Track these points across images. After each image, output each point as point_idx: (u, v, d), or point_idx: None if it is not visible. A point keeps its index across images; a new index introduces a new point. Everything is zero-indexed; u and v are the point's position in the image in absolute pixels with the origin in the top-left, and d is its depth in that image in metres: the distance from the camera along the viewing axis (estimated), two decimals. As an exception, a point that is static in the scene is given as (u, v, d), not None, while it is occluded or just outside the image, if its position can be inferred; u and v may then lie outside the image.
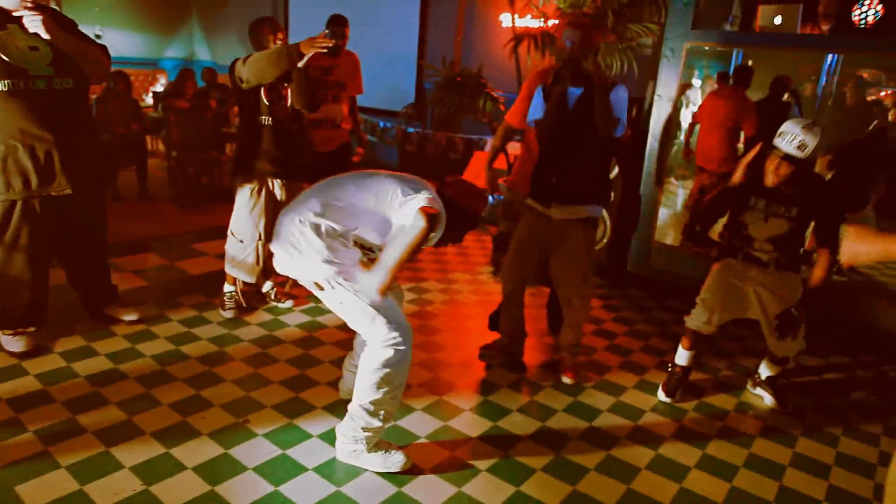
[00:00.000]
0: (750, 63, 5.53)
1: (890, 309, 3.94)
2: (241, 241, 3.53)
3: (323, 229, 2.29)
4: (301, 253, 2.30)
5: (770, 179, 2.87)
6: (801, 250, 3.04)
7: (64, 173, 2.95)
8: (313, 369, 3.13)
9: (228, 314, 3.62)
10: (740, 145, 5.18)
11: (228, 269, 3.62)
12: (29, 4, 2.74)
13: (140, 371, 2.97)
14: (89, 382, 2.83)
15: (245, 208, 3.50)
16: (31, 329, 3.08)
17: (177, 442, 2.47)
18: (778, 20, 4.36)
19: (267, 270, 3.66)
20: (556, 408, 2.98)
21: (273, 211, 3.44)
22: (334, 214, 2.31)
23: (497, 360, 3.36)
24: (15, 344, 3.03)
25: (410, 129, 7.70)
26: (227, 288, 3.67)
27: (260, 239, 3.52)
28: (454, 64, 6.90)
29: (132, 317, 3.44)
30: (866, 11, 4.10)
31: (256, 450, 2.47)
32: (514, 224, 3.35)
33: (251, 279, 3.62)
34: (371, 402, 2.31)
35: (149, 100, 8.92)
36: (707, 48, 5.02)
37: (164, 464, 2.34)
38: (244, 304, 3.70)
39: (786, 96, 5.16)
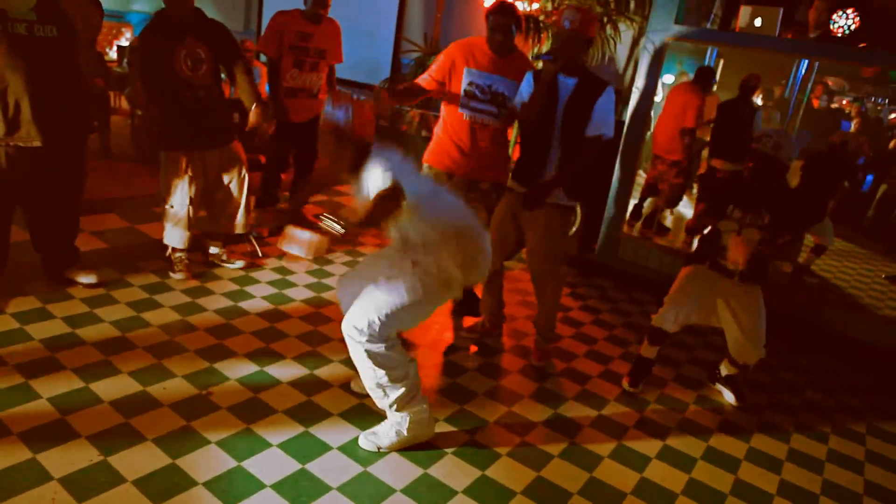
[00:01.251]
0: (721, 64, 5.61)
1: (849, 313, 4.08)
2: (172, 207, 3.46)
3: None
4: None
5: (750, 179, 2.93)
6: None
7: (34, 124, 2.81)
8: (280, 342, 3.07)
9: (179, 276, 3.55)
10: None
11: (172, 241, 3.54)
12: None
13: (98, 337, 2.87)
14: (44, 346, 2.73)
15: (174, 177, 3.42)
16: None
17: (137, 412, 2.40)
18: (758, 22, 4.41)
19: (211, 235, 3.72)
20: (523, 394, 3.00)
21: (202, 177, 3.46)
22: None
23: (473, 342, 3.40)
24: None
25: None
26: (176, 255, 3.61)
27: (190, 203, 3.45)
28: (434, 41, 6.80)
29: (90, 279, 3.31)
30: (844, 22, 4.17)
31: (220, 423, 2.42)
32: None
33: (183, 245, 3.56)
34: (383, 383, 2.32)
35: (113, 54, 8.55)
36: (687, 44, 5.06)
37: (123, 434, 2.27)
38: (189, 264, 3.64)
39: (758, 99, 5.26)
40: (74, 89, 3.03)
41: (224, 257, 3.83)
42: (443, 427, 2.63)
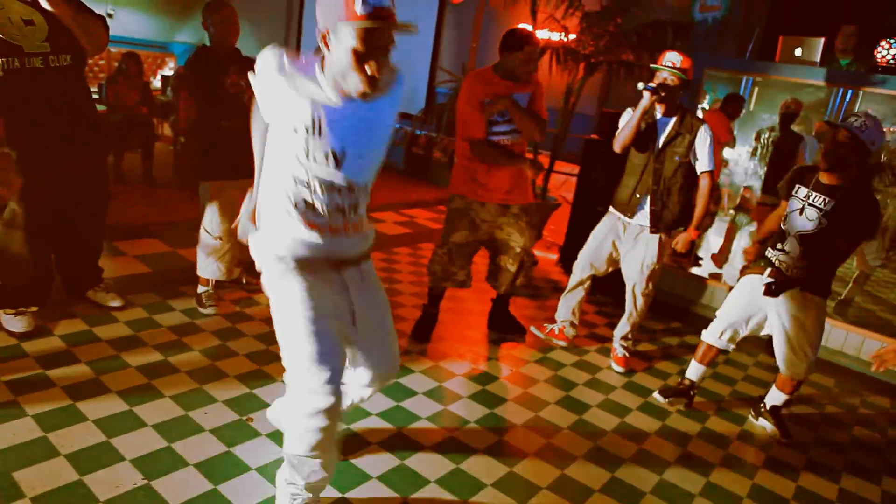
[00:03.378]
0: (755, 91, 5.56)
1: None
2: (219, 239, 3.43)
3: None
4: None
5: (823, 164, 2.80)
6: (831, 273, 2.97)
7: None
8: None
9: (211, 311, 3.51)
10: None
11: (207, 273, 3.50)
12: None
13: (142, 361, 2.91)
14: (91, 369, 2.78)
15: (216, 207, 3.41)
16: (33, 309, 3.02)
17: (179, 436, 2.42)
18: (798, 52, 4.38)
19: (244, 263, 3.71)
20: (549, 401, 2.97)
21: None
22: None
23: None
24: (16, 324, 2.97)
25: (419, 132, 7.67)
26: (202, 288, 3.57)
27: (229, 234, 3.43)
28: (470, 70, 6.89)
29: (116, 303, 3.37)
30: (889, 51, 4.12)
31: (259, 450, 2.43)
32: (467, 233, 3.37)
33: (225, 278, 3.54)
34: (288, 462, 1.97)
35: (157, 83, 8.84)
36: (724, 74, 5.04)
37: (166, 458, 2.29)
38: (221, 299, 3.65)
39: (797, 128, 5.19)
40: (87, 112, 3.09)
41: (244, 280, 3.86)
42: (472, 427, 2.60)
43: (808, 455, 3.05)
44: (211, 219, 3.43)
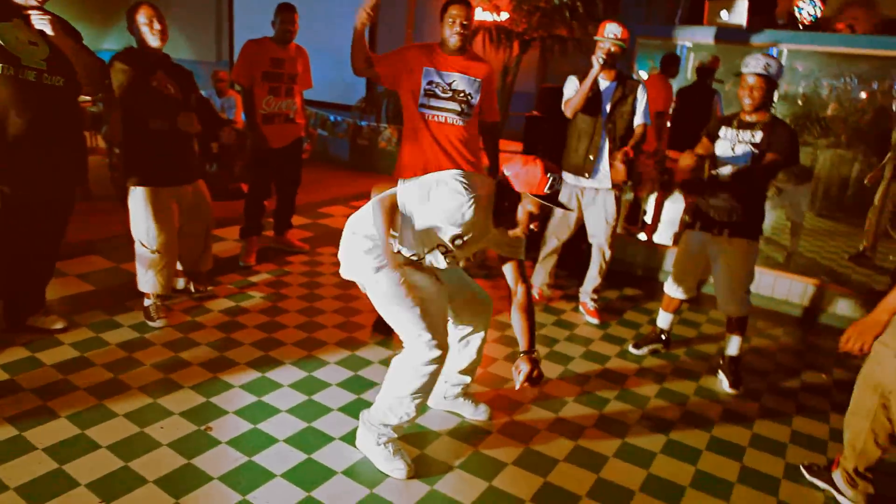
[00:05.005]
0: (690, 56, 5.68)
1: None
2: (157, 252, 3.32)
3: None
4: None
5: (746, 106, 3.05)
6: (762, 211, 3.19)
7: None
8: (275, 370, 3.05)
9: (160, 323, 3.41)
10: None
11: (147, 287, 3.39)
12: (38, 3, 2.73)
13: (91, 381, 2.82)
14: (36, 395, 2.68)
15: (151, 219, 3.29)
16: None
17: (136, 454, 2.37)
18: (724, 15, 4.48)
19: (186, 274, 3.69)
20: (523, 401, 3.00)
21: (175, 215, 3.38)
22: None
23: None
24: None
25: (363, 123, 7.60)
26: (148, 301, 3.45)
27: (172, 247, 3.37)
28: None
29: (59, 325, 3.25)
30: (805, 9, 4.25)
31: (221, 459, 2.39)
32: None
33: (164, 292, 3.44)
34: (391, 404, 2.34)
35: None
36: (657, 42, 5.12)
37: (124, 479, 2.24)
38: (170, 309, 3.56)
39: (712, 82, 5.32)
40: (74, 138, 3.07)
41: (192, 288, 3.78)
42: (447, 441, 2.62)
43: (761, 402, 3.16)
44: (147, 231, 3.31)
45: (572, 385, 3.16)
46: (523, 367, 2.27)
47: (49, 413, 2.57)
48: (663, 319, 3.56)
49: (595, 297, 3.99)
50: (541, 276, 4.13)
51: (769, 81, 2.97)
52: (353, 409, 2.76)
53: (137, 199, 3.30)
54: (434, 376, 2.29)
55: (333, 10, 8.08)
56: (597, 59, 3.51)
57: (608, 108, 3.66)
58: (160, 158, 3.31)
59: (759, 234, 3.19)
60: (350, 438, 2.56)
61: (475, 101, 3.22)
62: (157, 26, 3.23)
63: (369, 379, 3.05)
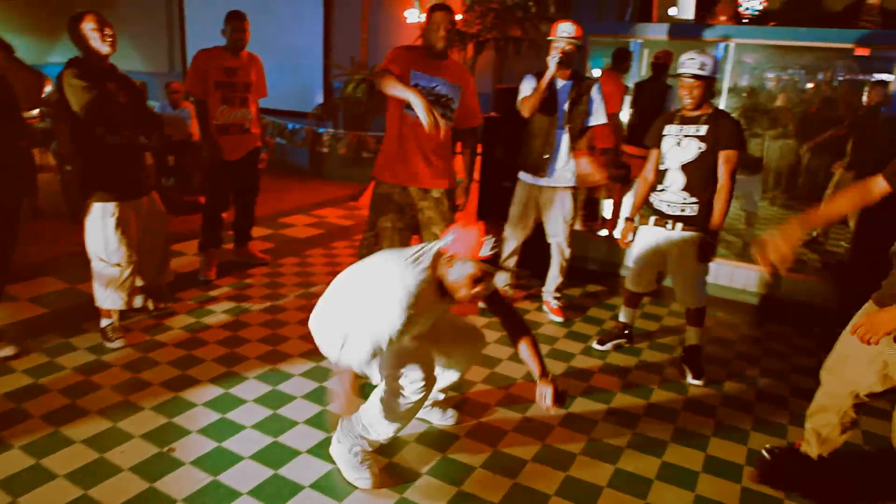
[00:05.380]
0: (644, 53, 5.77)
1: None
2: (118, 265, 3.24)
3: None
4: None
5: (687, 104, 3.13)
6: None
7: None
8: (239, 386, 3.00)
9: (118, 343, 3.32)
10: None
11: (108, 304, 3.30)
12: None
13: (46, 408, 2.74)
14: (-11, 425, 2.60)
15: (111, 232, 3.21)
16: None
17: (96, 481, 2.30)
18: (673, 11, 4.57)
19: (145, 290, 3.59)
20: (489, 403, 3.01)
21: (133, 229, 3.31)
22: None
23: None
24: None
25: (321, 130, 7.54)
26: (105, 321, 3.36)
27: (132, 259, 3.28)
28: (362, 62, 6.81)
29: (8, 351, 3.13)
30: (750, 5, 4.35)
31: (185, 480, 2.34)
32: (395, 216, 3.44)
33: (126, 307, 3.35)
34: (371, 422, 2.34)
35: (33, 111, 8.27)
36: (610, 40, 5.19)
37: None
38: (129, 329, 3.48)
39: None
40: (10, 151, 2.95)
41: (150, 306, 3.71)
42: (415, 448, 2.61)
43: (723, 391, 3.22)
44: (105, 245, 3.23)
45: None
46: (545, 390, 2.27)
47: (1, 445, 2.48)
48: (626, 314, 3.62)
49: (558, 295, 4.02)
50: (503, 277, 4.14)
51: (706, 79, 3.04)
52: (320, 422, 2.74)
53: (95, 215, 3.22)
54: (419, 405, 2.31)
55: (286, 15, 8.02)
56: (552, 59, 3.53)
57: (565, 107, 3.70)
58: (117, 172, 3.23)
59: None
60: (317, 451, 2.54)
61: (455, 105, 3.36)
62: (107, 31, 3.13)
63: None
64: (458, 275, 2.14)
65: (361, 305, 2.16)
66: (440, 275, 2.18)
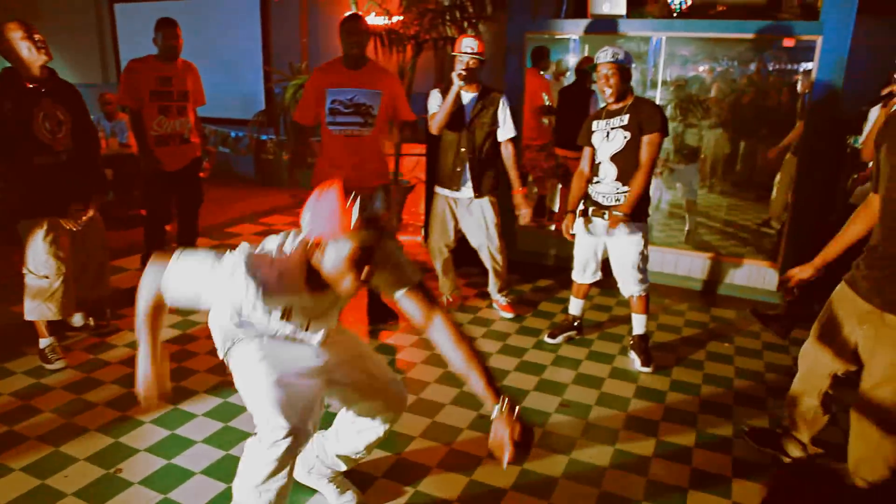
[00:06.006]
0: (587, 50, 5.88)
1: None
2: (46, 277, 3.14)
3: None
4: None
5: (607, 96, 3.23)
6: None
7: None
8: (189, 400, 2.93)
9: (59, 364, 3.21)
10: (545, 120, 5.64)
11: (34, 315, 3.18)
12: None
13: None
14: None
15: (39, 244, 3.12)
16: None
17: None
18: (607, 7, 4.65)
19: (84, 305, 3.48)
20: (443, 402, 3.02)
21: (69, 245, 3.22)
22: None
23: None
24: None
25: (264, 137, 7.43)
26: (44, 342, 3.24)
27: (59, 273, 3.16)
28: (300, 69, 6.73)
29: None
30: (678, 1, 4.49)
31: (134, 500, 2.27)
32: None
33: (59, 317, 3.22)
34: (240, 499, 1.94)
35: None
36: (546, 37, 5.27)
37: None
38: (69, 350, 3.38)
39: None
40: None
41: (92, 323, 3.61)
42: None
43: (672, 377, 3.31)
44: (34, 258, 3.12)
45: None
46: (502, 431, 1.63)
47: (2, 468, 2.37)
48: (575, 306, 3.68)
49: (504, 292, 4.05)
50: (447, 287, 4.11)
51: (621, 68, 3.15)
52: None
53: (24, 230, 3.13)
54: (283, 461, 1.84)
55: (222, 22, 7.88)
56: (457, 76, 3.52)
57: (470, 119, 3.70)
58: (46, 191, 3.12)
59: (646, 215, 3.34)
60: (271, 462, 2.49)
61: (376, 111, 3.50)
62: (37, 38, 3.00)
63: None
64: (334, 261, 1.69)
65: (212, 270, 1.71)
66: (315, 266, 1.75)
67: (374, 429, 2.18)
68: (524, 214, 3.89)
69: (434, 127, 3.67)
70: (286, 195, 7.20)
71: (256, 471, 1.85)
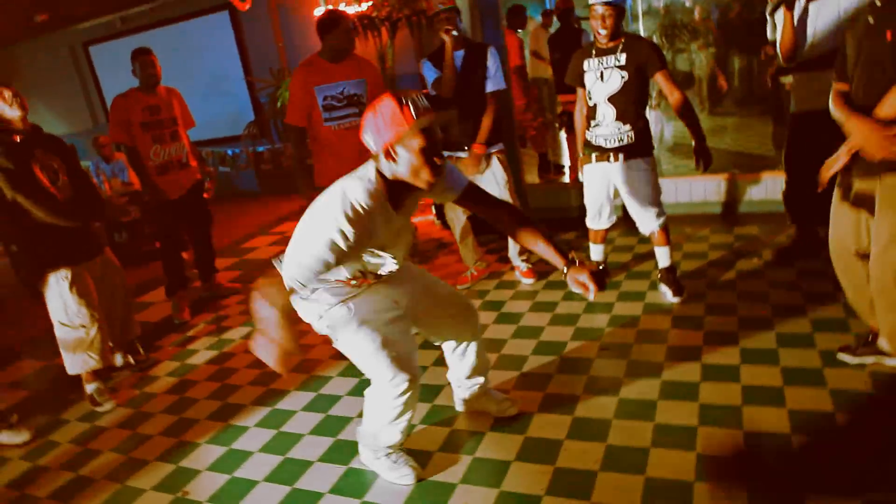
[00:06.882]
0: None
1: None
2: (82, 327, 3.19)
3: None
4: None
5: (601, 36, 3.13)
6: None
7: None
8: (237, 416, 2.99)
9: (108, 406, 3.27)
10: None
11: (78, 368, 3.24)
12: None
13: (51, 487, 2.69)
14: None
15: (67, 294, 3.16)
16: None
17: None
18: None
19: (116, 348, 3.47)
20: (487, 322, 3.04)
21: (91, 290, 3.24)
22: None
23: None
24: None
25: (261, 148, 7.44)
26: (90, 387, 3.30)
27: (92, 320, 3.20)
28: (282, 71, 6.72)
29: (21, 437, 3.07)
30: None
31: None
32: None
33: (101, 365, 3.27)
34: (375, 431, 2.27)
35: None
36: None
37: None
38: (116, 390, 3.44)
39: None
40: None
41: (131, 361, 3.65)
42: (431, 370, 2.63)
43: (706, 302, 3.29)
44: (66, 309, 3.17)
45: (529, 340, 3.21)
46: (582, 278, 1.97)
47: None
48: (596, 252, 3.65)
49: (525, 257, 4.00)
50: (469, 258, 4.08)
51: (617, 7, 3.06)
52: (324, 429, 2.74)
53: (50, 283, 3.17)
54: (411, 401, 2.17)
55: (196, 43, 7.87)
56: (444, 33, 3.49)
57: (461, 77, 3.61)
58: (60, 243, 3.16)
59: (651, 148, 3.30)
60: (328, 457, 2.55)
61: (366, 99, 3.52)
62: (7, 94, 3.02)
63: (332, 394, 3.03)
64: (407, 158, 1.85)
65: (309, 225, 1.95)
66: (393, 175, 1.91)
67: (469, 345, 2.44)
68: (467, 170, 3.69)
69: (445, 90, 3.59)
70: (293, 202, 7.23)
71: (387, 413, 2.16)
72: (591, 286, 1.94)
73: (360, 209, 1.84)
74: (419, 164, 1.85)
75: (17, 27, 7.42)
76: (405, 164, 1.87)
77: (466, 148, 3.67)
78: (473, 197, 2.12)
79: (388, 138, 1.83)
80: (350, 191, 1.87)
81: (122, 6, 7.38)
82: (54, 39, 8.34)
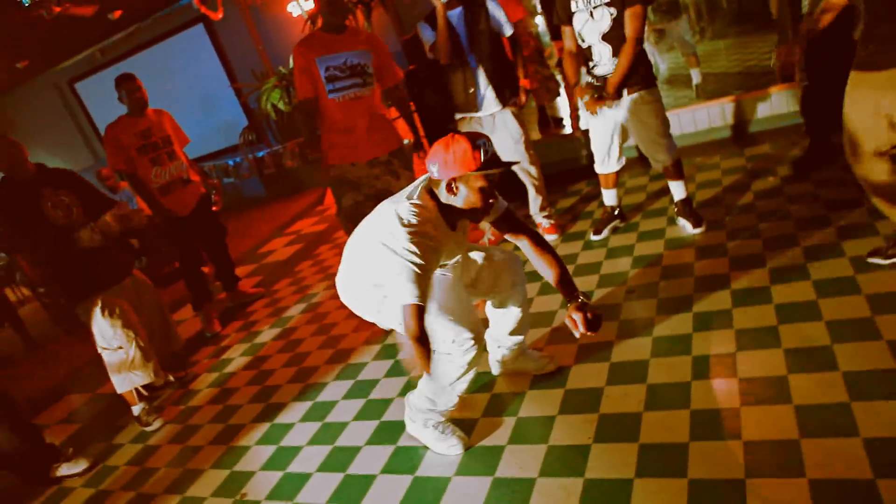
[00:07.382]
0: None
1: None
2: (120, 348, 3.26)
3: None
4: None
5: None
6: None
7: None
8: (281, 413, 3.03)
9: (157, 424, 3.35)
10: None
11: (125, 387, 3.32)
12: None
13: (115, 508, 2.78)
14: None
15: (101, 320, 3.23)
16: None
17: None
18: None
19: (161, 362, 3.49)
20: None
21: (127, 313, 3.30)
22: None
23: None
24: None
25: (261, 153, 7.45)
26: (136, 408, 3.38)
27: (136, 335, 3.28)
28: (265, 72, 6.70)
29: (80, 467, 3.16)
30: None
31: (266, 516, 2.38)
32: (354, 193, 3.50)
33: (150, 379, 3.35)
34: (434, 394, 2.31)
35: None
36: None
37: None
38: (161, 408, 3.51)
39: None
40: None
41: (172, 379, 3.68)
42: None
43: (727, 228, 3.25)
44: (103, 335, 3.25)
45: (555, 294, 3.20)
46: (576, 317, 2.03)
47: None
48: (609, 197, 3.62)
49: (546, 213, 3.95)
50: (485, 227, 4.06)
51: None
52: (367, 413, 2.77)
53: (87, 312, 3.26)
54: (475, 360, 2.21)
55: (177, 62, 7.87)
56: None
57: (465, 34, 3.54)
58: (87, 270, 3.25)
59: (654, 79, 3.23)
60: (375, 440, 2.58)
61: (371, 69, 3.45)
62: (11, 151, 3.10)
63: (370, 379, 3.05)
64: (465, 194, 2.04)
65: (375, 255, 2.08)
66: (449, 205, 2.09)
67: (512, 298, 2.47)
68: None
69: (442, 55, 3.54)
70: (301, 200, 7.25)
71: (451, 374, 2.21)
72: (581, 327, 2.02)
73: (426, 237, 2.01)
74: (475, 201, 2.06)
75: (0, 77, 7.48)
76: (462, 198, 2.06)
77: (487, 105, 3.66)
78: (506, 220, 2.29)
79: (455, 174, 2.01)
80: (402, 209, 2.04)
81: (97, 39, 7.39)
82: (40, 83, 8.40)
